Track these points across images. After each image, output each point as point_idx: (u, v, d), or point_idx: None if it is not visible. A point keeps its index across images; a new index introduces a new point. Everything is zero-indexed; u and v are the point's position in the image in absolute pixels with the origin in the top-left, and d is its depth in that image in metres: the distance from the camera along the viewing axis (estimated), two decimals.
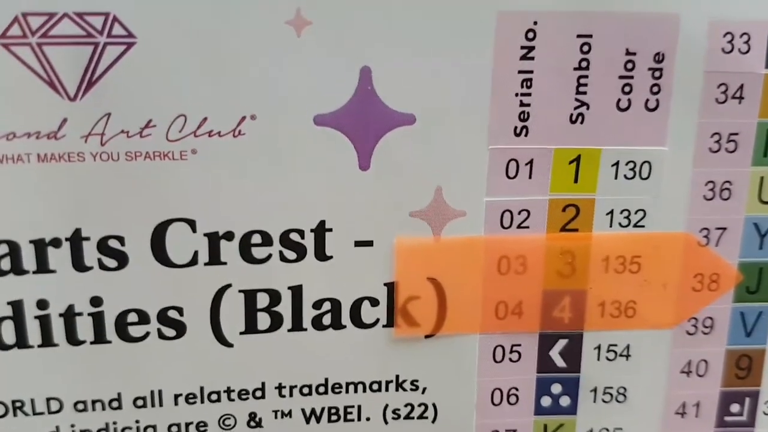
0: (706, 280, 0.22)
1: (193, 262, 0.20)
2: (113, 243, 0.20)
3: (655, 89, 0.20)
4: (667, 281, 0.22)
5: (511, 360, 0.22)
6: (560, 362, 0.22)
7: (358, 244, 0.21)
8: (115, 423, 0.21)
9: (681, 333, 0.23)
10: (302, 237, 0.20)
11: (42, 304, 0.20)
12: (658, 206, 0.21)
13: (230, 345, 0.21)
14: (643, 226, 0.22)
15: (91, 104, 0.19)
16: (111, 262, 0.20)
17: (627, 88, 0.20)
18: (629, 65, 0.20)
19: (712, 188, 0.21)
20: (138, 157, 0.19)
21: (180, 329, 0.20)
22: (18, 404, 0.20)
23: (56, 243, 0.19)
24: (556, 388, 0.22)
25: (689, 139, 0.21)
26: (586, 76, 0.20)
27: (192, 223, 0.20)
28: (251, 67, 0.19)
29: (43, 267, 0.19)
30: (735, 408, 0.23)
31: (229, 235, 0.20)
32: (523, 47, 0.20)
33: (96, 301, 0.20)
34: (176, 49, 0.18)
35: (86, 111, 0.19)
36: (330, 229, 0.20)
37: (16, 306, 0.20)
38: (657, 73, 0.20)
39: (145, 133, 0.19)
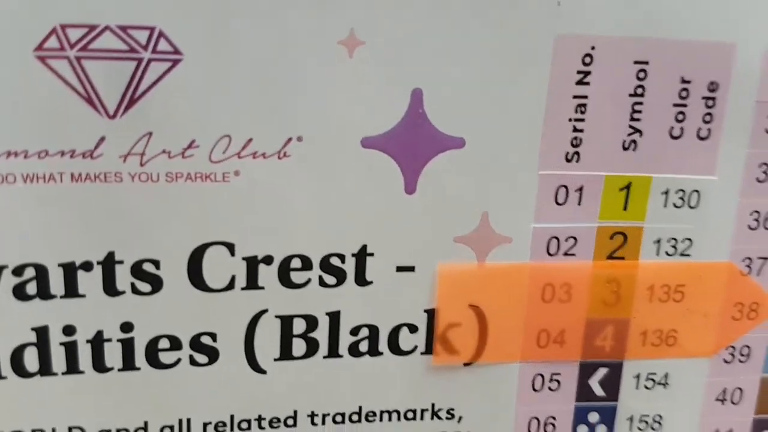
0: (746, 309, 0.22)
1: (230, 286, 0.19)
2: (148, 267, 0.19)
3: (708, 118, 0.20)
4: (708, 310, 0.22)
5: (550, 389, 0.22)
6: (599, 391, 0.22)
7: (399, 269, 0.20)
8: None
9: (718, 361, 0.22)
10: (343, 261, 0.20)
11: (69, 329, 0.19)
12: (704, 235, 0.21)
13: (263, 372, 0.20)
14: (689, 255, 0.21)
15: (132, 123, 0.18)
16: (145, 287, 0.19)
17: (680, 116, 0.20)
18: (683, 93, 0.20)
19: (756, 218, 0.21)
20: (179, 178, 0.18)
21: (213, 355, 0.20)
22: None
23: (87, 267, 0.18)
24: (593, 417, 0.22)
25: (738, 168, 0.21)
26: (641, 103, 0.20)
27: (231, 247, 0.19)
28: (300, 87, 0.18)
29: (72, 291, 0.18)
30: None
31: (268, 259, 0.19)
32: (579, 72, 0.19)
33: (126, 327, 0.19)
34: (223, 67, 0.17)
35: (126, 130, 0.18)
36: (372, 254, 0.20)
37: (41, 332, 0.19)
38: (710, 102, 0.20)
39: (188, 153, 0.18)
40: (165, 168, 0.18)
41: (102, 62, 0.17)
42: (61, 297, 0.18)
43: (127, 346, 0.19)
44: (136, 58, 0.17)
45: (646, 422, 0.22)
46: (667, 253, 0.21)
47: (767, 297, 0.22)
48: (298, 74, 0.18)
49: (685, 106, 0.20)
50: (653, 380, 0.22)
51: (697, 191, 0.21)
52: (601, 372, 0.22)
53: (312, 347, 0.20)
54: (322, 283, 0.20)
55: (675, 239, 0.21)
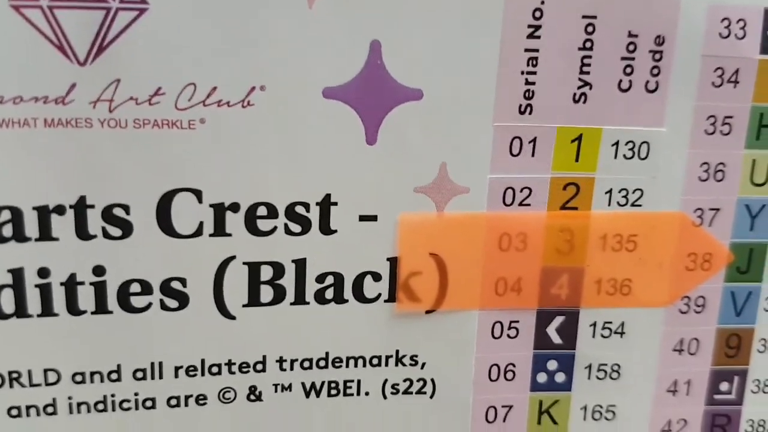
0: (700, 259, 0.23)
1: (198, 232, 0.20)
2: (118, 211, 0.19)
3: (655, 71, 0.21)
4: (662, 260, 0.22)
5: (509, 336, 0.22)
6: (557, 339, 0.23)
7: (362, 218, 0.21)
8: (113, 396, 0.21)
9: (674, 311, 0.23)
10: (308, 210, 0.20)
11: (43, 272, 0.19)
12: (655, 186, 0.22)
13: (233, 317, 0.21)
14: (640, 206, 0.22)
15: (101, 70, 0.18)
16: (115, 231, 0.20)
17: (628, 69, 0.21)
18: (631, 47, 0.21)
19: (706, 170, 0.22)
20: (146, 124, 0.19)
21: (183, 301, 0.20)
22: (15, 375, 0.20)
23: (60, 210, 0.19)
24: (552, 365, 0.23)
25: (686, 121, 0.22)
26: (590, 57, 0.21)
27: (198, 194, 0.20)
28: (262, 37, 0.19)
29: (45, 234, 0.19)
30: (724, 386, 0.24)
31: (234, 207, 0.20)
32: (530, 26, 0.20)
33: (99, 271, 0.20)
34: (188, 17, 0.18)
35: (95, 76, 0.18)
36: (335, 203, 0.21)
37: (17, 274, 0.19)
38: (657, 55, 0.21)
39: (154, 100, 0.19)
40: (132, 114, 0.19)
41: (73, 11, 0.18)
42: (36, 240, 0.19)
43: (100, 289, 0.20)
44: (105, 7, 0.18)
45: (605, 371, 0.23)
46: (619, 204, 0.22)
47: (721, 248, 0.23)
48: (259, 24, 0.19)
49: (633, 59, 0.21)
50: (609, 329, 0.23)
51: (646, 142, 0.21)
52: (558, 320, 0.23)
53: (279, 294, 0.21)
54: (288, 231, 0.21)
55: (626, 189, 0.22)
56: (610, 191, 0.22)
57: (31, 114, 0.18)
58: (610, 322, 0.23)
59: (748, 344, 0.24)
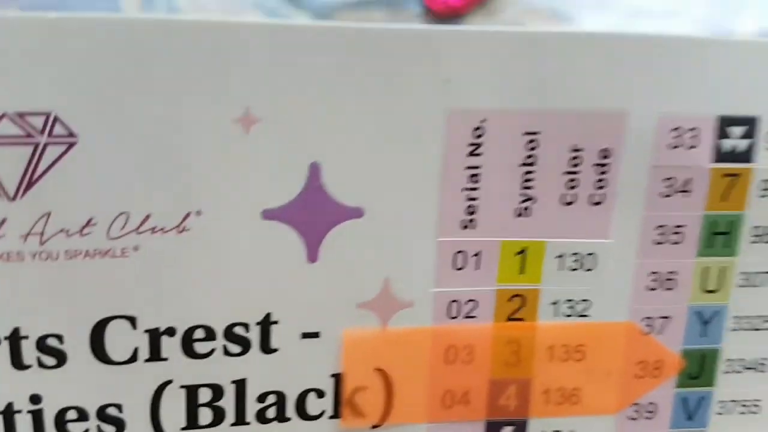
0: (650, 367, 0.22)
1: (133, 358, 0.20)
2: (52, 341, 0.19)
3: (601, 184, 0.21)
4: (610, 369, 0.22)
5: None
6: None
7: (305, 335, 0.20)
8: None
9: (623, 419, 0.23)
10: (247, 330, 0.20)
11: None
12: (602, 296, 0.22)
13: None
14: (587, 315, 0.22)
15: (31, 204, 0.18)
16: (50, 360, 0.19)
17: (573, 183, 0.20)
18: (575, 161, 0.20)
19: (655, 278, 0.22)
20: (78, 255, 0.19)
21: (119, 426, 0.20)
22: None
23: None
24: None
25: (634, 231, 0.21)
26: (533, 172, 0.20)
27: (133, 320, 0.19)
28: (197, 163, 0.19)
29: None
30: None
31: (170, 331, 0.20)
32: (471, 144, 0.20)
33: (35, 399, 0.19)
34: (119, 147, 0.18)
35: (26, 211, 0.18)
36: (276, 322, 0.20)
37: None
38: (603, 169, 0.20)
39: (86, 231, 0.18)
40: (64, 246, 0.19)
41: (1, 148, 0.18)
42: None
43: (37, 417, 0.19)
44: (33, 143, 0.18)
45: None
46: (565, 314, 0.22)
47: (670, 355, 0.22)
48: (194, 152, 0.18)
49: (577, 173, 0.20)
50: None
51: (592, 254, 0.21)
52: (507, 431, 0.22)
53: (218, 416, 0.20)
54: (227, 352, 0.20)
55: (572, 300, 0.21)
56: (556, 302, 0.21)
57: None
58: (560, 431, 0.22)
59: None
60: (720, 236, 0.22)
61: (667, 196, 0.21)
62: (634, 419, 0.23)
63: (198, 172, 0.18)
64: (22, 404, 0.19)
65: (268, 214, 0.19)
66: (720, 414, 0.23)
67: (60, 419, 0.20)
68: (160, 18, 0.18)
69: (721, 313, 0.22)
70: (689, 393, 0.23)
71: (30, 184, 0.18)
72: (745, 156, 0.21)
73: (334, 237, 0.20)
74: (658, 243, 0.21)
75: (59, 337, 0.19)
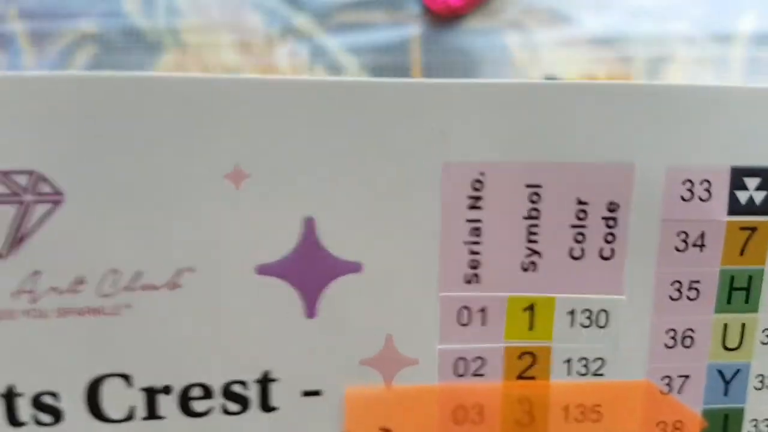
0: (670, 427, 0.21)
1: (130, 417, 0.19)
2: (47, 399, 0.19)
3: (610, 238, 0.20)
4: (628, 430, 0.21)
5: None
6: None
7: (306, 394, 0.20)
8: None
9: None
10: (246, 388, 0.19)
11: None
12: (617, 355, 0.20)
13: None
14: (602, 375, 0.21)
15: (20, 262, 0.18)
16: (46, 418, 0.19)
17: (579, 237, 0.20)
18: (581, 214, 0.19)
19: (673, 336, 0.20)
20: (69, 313, 0.18)
21: None
22: None
23: None
24: None
25: (647, 287, 0.20)
26: (537, 225, 0.19)
27: (128, 378, 0.19)
28: (186, 220, 0.18)
29: None
30: None
31: (167, 389, 0.19)
32: (470, 197, 0.19)
33: None
34: (106, 204, 0.18)
35: (15, 269, 0.18)
36: (275, 380, 0.20)
37: None
38: (611, 222, 0.20)
39: (78, 289, 0.18)
40: (56, 304, 0.18)
41: None
42: None
43: None
44: (18, 201, 0.17)
45: None
46: (579, 373, 0.21)
47: (691, 415, 0.21)
48: (183, 208, 0.18)
49: (584, 226, 0.20)
50: None
51: (605, 311, 0.20)
52: None
53: None
54: (226, 411, 0.20)
55: (586, 358, 0.20)
56: (569, 360, 0.20)
57: None
58: None
59: None
60: (739, 291, 0.20)
61: (681, 250, 0.20)
62: None
63: (188, 228, 0.18)
64: None
65: (263, 270, 0.19)
66: None
67: None
68: (144, 75, 0.17)
69: (743, 372, 0.21)
70: None
71: (18, 242, 0.18)
72: (764, 208, 0.20)
73: (332, 292, 0.19)
74: (674, 299, 0.20)
75: (55, 395, 0.19)
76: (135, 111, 0.17)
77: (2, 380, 0.19)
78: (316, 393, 0.20)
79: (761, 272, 0.20)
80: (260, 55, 0.34)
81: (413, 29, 0.35)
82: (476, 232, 0.19)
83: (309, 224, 0.19)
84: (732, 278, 0.20)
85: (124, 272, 0.18)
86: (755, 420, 0.21)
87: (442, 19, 0.35)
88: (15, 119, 0.17)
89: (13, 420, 0.19)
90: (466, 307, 0.20)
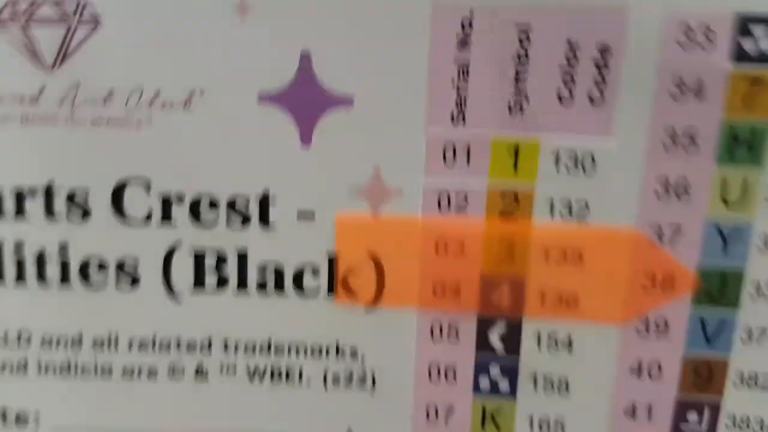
0: (659, 280, 0.21)
1: (148, 219, 0.22)
2: (79, 198, 0.22)
3: (600, 81, 0.20)
4: (613, 277, 0.21)
5: (449, 338, 0.22)
6: (499, 346, 0.22)
7: (300, 215, 0.22)
8: (75, 361, 0.23)
9: (629, 332, 0.22)
10: (248, 203, 0.22)
11: (18, 245, 0.22)
12: (602, 200, 0.21)
13: (179, 301, 0.22)
14: (585, 219, 0.21)
15: (65, 75, 0.21)
16: (77, 213, 0.22)
17: (568, 79, 0.20)
18: (571, 56, 0.20)
19: (665, 185, 0.20)
20: (101, 123, 0.21)
21: (135, 280, 0.22)
22: None
23: (32, 192, 0.22)
24: (495, 370, 0.22)
25: (639, 132, 0.20)
26: (526, 66, 0.20)
27: (147, 184, 0.22)
28: (199, 46, 0.20)
29: (20, 212, 0.22)
30: (692, 417, 0.22)
31: (180, 197, 0.22)
32: (458, 37, 0.20)
33: (63, 246, 0.22)
34: (135, 30, 0.20)
35: (61, 80, 0.21)
36: (274, 199, 0.22)
37: None
38: (602, 65, 0.20)
39: (108, 102, 0.21)
40: (90, 114, 0.21)
41: (42, 27, 0.20)
42: (13, 217, 0.22)
43: (64, 263, 0.23)
44: (67, 24, 0.20)
45: (551, 383, 0.22)
46: (562, 215, 0.21)
47: (683, 270, 0.21)
48: (197, 35, 0.20)
49: (573, 69, 0.20)
50: (556, 341, 0.22)
51: (591, 154, 0.20)
52: (500, 327, 0.22)
53: (222, 281, 0.22)
54: (230, 222, 0.22)
55: (570, 202, 0.21)
56: (551, 203, 0.21)
57: (8, 111, 0.21)
58: (557, 335, 0.22)
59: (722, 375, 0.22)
60: (742, 145, 0.20)
61: (678, 98, 0.19)
62: (642, 335, 0.22)
63: (201, 54, 0.20)
64: (52, 250, 0.22)
65: (264, 98, 0.21)
66: (748, 342, 0.21)
67: (84, 268, 0.22)
68: None
69: (745, 231, 0.21)
70: (707, 314, 0.21)
71: (64, 58, 0.20)
72: None
73: (326, 123, 0.21)
74: (668, 147, 0.20)
75: (86, 194, 0.22)
76: None
77: (44, 176, 0.22)
78: (310, 215, 0.22)
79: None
80: None
81: None
82: (464, 71, 0.20)
83: (305, 57, 0.20)
84: (735, 130, 0.20)
85: (146, 90, 0.21)
86: (757, 282, 0.21)
87: None
88: None
89: (50, 213, 0.22)
90: (451, 145, 0.21)
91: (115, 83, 0.21)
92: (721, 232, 0.21)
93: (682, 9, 0.19)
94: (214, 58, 0.20)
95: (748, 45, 0.19)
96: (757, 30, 0.19)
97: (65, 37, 0.20)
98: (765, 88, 0.19)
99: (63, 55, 0.21)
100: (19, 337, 0.23)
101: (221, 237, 0.22)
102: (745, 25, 0.19)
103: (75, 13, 0.20)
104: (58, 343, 0.23)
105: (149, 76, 0.21)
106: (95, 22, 0.20)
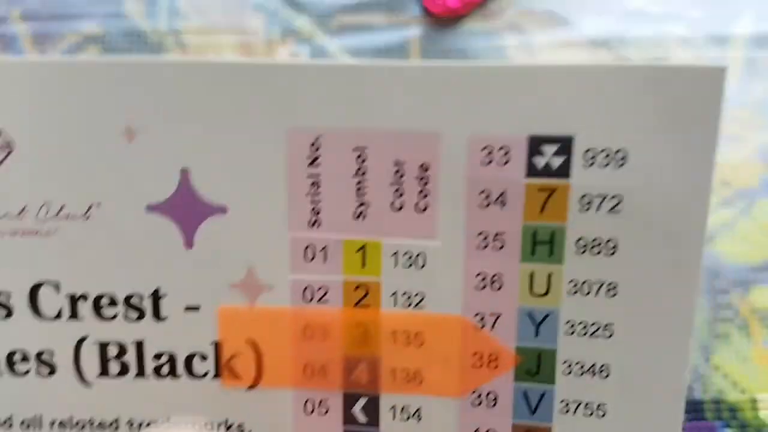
0: (485, 358, 0.25)
1: (59, 315, 0.26)
2: (1, 298, 0.26)
3: (423, 193, 0.24)
4: (448, 356, 0.25)
5: (320, 413, 0.26)
6: (362, 418, 0.26)
7: (188, 308, 0.26)
8: None
9: (467, 405, 0.26)
10: (142, 300, 0.26)
11: None
12: (435, 292, 0.25)
13: (90, 385, 0.26)
14: (423, 308, 0.25)
15: None
16: (2, 313, 0.26)
17: (398, 192, 0.24)
18: (399, 173, 0.24)
19: (483, 279, 0.25)
20: (16, 234, 0.25)
21: (52, 369, 0.26)
22: None
23: None
24: None
25: (458, 235, 0.24)
26: (364, 181, 0.24)
27: (57, 286, 0.26)
28: (94, 166, 0.25)
29: None
30: None
31: (84, 296, 0.26)
32: (309, 156, 0.24)
33: None
34: (41, 155, 0.25)
35: None
36: (164, 295, 0.26)
37: None
38: (424, 180, 0.24)
39: (21, 215, 0.25)
40: (8, 226, 0.25)
41: None
42: None
43: None
44: None
45: None
46: (404, 305, 0.25)
47: (504, 350, 0.25)
48: (92, 156, 0.24)
49: (401, 183, 0.24)
50: (408, 413, 0.26)
51: (422, 254, 0.25)
52: (362, 401, 0.26)
53: (124, 369, 0.26)
54: (127, 317, 0.26)
55: (408, 293, 0.25)
56: (395, 294, 0.25)
57: None
58: (409, 406, 0.26)
59: None
60: (543, 245, 0.24)
61: (485, 207, 0.24)
62: (476, 405, 0.25)
63: (96, 173, 0.25)
64: None
65: (152, 208, 0.25)
66: (565, 413, 0.25)
67: (9, 359, 0.26)
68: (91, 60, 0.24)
69: (552, 316, 0.25)
70: (529, 388, 0.25)
71: None
72: (561, 171, 0.24)
73: (205, 229, 0.25)
74: (481, 248, 0.24)
75: (7, 294, 0.26)
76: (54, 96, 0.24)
77: None
78: (196, 308, 0.26)
79: (563, 228, 0.24)
80: (261, 57, 0.38)
81: (413, 31, 0.37)
82: (316, 185, 0.25)
83: (185, 174, 0.25)
84: (535, 233, 0.24)
85: (53, 205, 0.25)
86: (568, 362, 0.25)
87: (442, 21, 0.37)
88: None
89: None
90: (310, 246, 0.25)
91: (27, 199, 0.25)
92: (532, 318, 0.25)
93: (484, 134, 0.24)
94: (108, 175, 0.25)
95: (539, 161, 0.24)
96: (546, 148, 0.24)
97: None
98: (555, 196, 0.24)
99: None
100: None
101: (121, 330, 0.26)
102: (536, 144, 0.24)
103: None
104: None
105: (54, 193, 0.25)
106: (9, 147, 0.25)
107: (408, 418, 0.25)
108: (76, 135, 0.24)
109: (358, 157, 0.24)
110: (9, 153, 0.25)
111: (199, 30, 0.37)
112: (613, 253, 0.24)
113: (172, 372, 0.26)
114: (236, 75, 0.24)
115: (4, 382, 0.26)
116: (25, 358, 0.26)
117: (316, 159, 0.24)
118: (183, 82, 0.24)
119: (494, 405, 0.25)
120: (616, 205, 0.23)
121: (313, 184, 0.24)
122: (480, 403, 0.25)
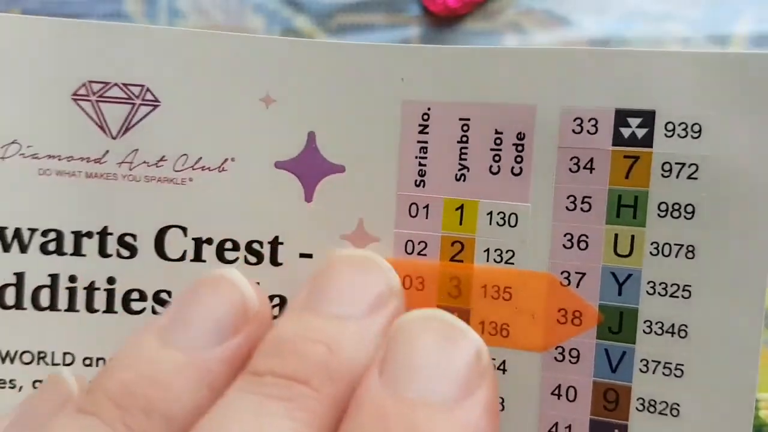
0: (570, 315, 0.27)
1: (182, 258, 0.28)
2: (129, 239, 0.28)
3: (519, 160, 0.27)
4: (534, 311, 0.27)
5: None
6: None
7: (302, 255, 0.28)
8: None
9: (549, 359, 0.27)
10: (261, 247, 0.28)
11: (73, 278, 0.28)
12: (523, 249, 0.27)
13: None
14: (512, 264, 0.27)
15: (126, 142, 0.28)
16: (125, 252, 0.28)
17: (496, 158, 0.27)
18: (498, 141, 0.27)
19: (570, 239, 0.27)
20: (152, 180, 0.28)
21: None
22: (42, 355, 0.28)
23: (89, 235, 0.28)
24: None
25: (548, 198, 0.27)
26: (467, 148, 0.27)
27: (184, 230, 0.28)
28: (233, 126, 0.28)
29: (78, 251, 0.28)
30: None
31: (209, 241, 0.28)
32: (420, 125, 0.27)
33: (111, 281, 0.28)
34: (185, 112, 0.28)
35: (122, 146, 0.28)
36: (282, 243, 0.28)
37: (54, 278, 0.28)
38: (519, 148, 0.27)
39: (159, 164, 0.28)
40: (144, 173, 0.28)
41: (110, 105, 0.28)
42: (70, 254, 0.28)
43: (110, 294, 0.28)
44: (131, 103, 0.28)
45: None
46: (495, 261, 0.27)
47: (588, 307, 0.27)
48: (232, 117, 0.28)
49: (500, 150, 0.27)
50: (494, 365, 0.27)
51: (515, 214, 0.27)
52: None
53: None
54: (247, 261, 0.28)
55: (500, 250, 0.27)
56: (487, 250, 0.27)
57: (78, 169, 0.28)
58: (494, 359, 0.27)
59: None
60: (627, 208, 0.27)
61: (574, 171, 0.27)
62: (559, 361, 0.27)
63: (234, 132, 0.28)
64: (101, 283, 0.28)
65: (279, 165, 0.28)
66: (644, 372, 0.27)
67: (126, 298, 0.28)
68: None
69: (635, 276, 0.27)
70: (610, 346, 0.27)
71: (126, 129, 0.28)
72: (646, 142, 0.27)
73: (324, 185, 0.28)
74: (570, 210, 0.27)
75: (134, 236, 0.28)
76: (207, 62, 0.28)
77: (100, 222, 0.28)
78: (309, 255, 0.28)
79: (646, 193, 0.27)
80: None
81: (413, 31, 0.38)
82: (424, 150, 0.28)
83: (311, 137, 0.28)
84: (620, 197, 0.27)
85: (190, 156, 0.28)
86: (649, 321, 0.27)
87: (442, 20, 0.38)
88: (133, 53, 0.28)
89: (103, 252, 0.28)
90: (414, 204, 0.28)
91: (166, 151, 0.28)
92: (615, 277, 0.27)
93: (574, 106, 0.27)
94: (244, 134, 0.28)
95: (625, 131, 0.27)
96: (632, 120, 0.27)
97: (129, 113, 0.28)
98: (639, 163, 0.27)
99: (125, 127, 0.28)
100: (63, 358, 0.28)
101: (241, 273, 0.28)
102: (622, 117, 0.27)
103: (138, 95, 0.28)
104: (97, 364, 0.28)
105: (193, 147, 0.28)
106: (155, 103, 0.28)
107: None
108: (220, 98, 0.27)
109: (463, 126, 0.27)
110: (154, 108, 0.28)
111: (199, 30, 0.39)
112: (691, 217, 0.26)
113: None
114: (361, 55, 0.27)
115: (119, 319, 0.28)
116: (142, 297, 0.28)
117: (425, 128, 0.27)
118: (318, 60, 0.27)
119: (576, 361, 0.27)
120: (694, 172, 0.26)
121: (421, 149, 0.27)
122: (563, 359, 0.27)
